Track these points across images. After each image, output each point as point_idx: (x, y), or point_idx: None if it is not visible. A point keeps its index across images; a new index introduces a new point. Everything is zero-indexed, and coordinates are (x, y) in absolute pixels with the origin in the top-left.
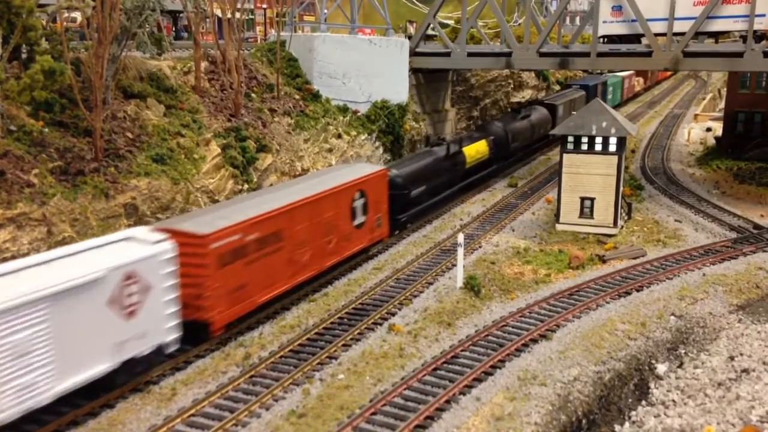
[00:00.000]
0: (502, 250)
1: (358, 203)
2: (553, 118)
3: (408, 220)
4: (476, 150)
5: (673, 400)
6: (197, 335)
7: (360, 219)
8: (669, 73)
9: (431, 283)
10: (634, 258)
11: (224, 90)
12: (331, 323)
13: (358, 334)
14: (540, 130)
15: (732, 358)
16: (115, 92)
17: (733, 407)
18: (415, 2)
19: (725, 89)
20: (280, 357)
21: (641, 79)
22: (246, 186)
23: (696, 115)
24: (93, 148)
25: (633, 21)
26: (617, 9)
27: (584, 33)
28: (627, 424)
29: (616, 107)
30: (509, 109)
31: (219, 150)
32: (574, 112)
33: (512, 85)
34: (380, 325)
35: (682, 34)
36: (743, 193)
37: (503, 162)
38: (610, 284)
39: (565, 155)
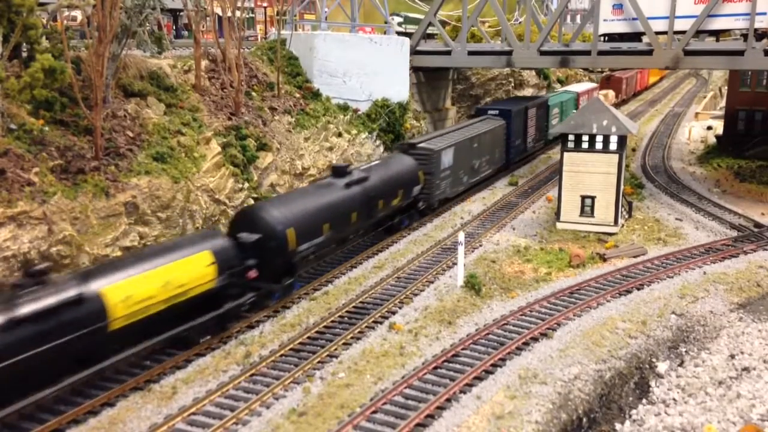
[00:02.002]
0: (503, 248)
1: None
2: (431, 176)
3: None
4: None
5: (674, 399)
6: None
7: None
8: (651, 81)
9: (432, 282)
10: (635, 256)
11: (224, 88)
12: (332, 322)
13: (359, 332)
14: (388, 203)
15: (733, 357)
16: (115, 91)
17: (734, 406)
18: (416, 1)
19: (726, 87)
20: (281, 355)
21: (611, 92)
22: (246, 185)
23: (697, 114)
24: (93, 147)
25: (634, 19)
26: (618, 7)
27: (585, 31)
28: (627, 422)
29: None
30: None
31: (219, 148)
32: (484, 164)
33: (513, 84)
34: (381, 323)
35: (683, 32)
36: (744, 191)
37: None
38: (610, 283)
39: (565, 154)
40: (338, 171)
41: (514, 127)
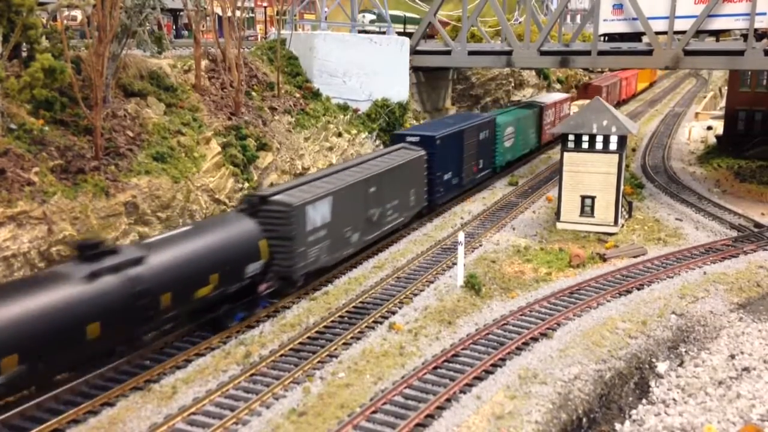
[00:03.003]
0: (503, 248)
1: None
2: (289, 242)
3: None
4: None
5: (674, 399)
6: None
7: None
8: (639, 88)
9: (432, 282)
10: (635, 256)
11: (224, 88)
12: (332, 321)
13: (359, 332)
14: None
15: (733, 357)
16: (115, 91)
17: (734, 406)
18: (416, 1)
19: (726, 87)
20: (281, 355)
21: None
22: (246, 184)
23: (697, 114)
24: (93, 147)
25: (634, 19)
26: (618, 7)
27: (585, 31)
28: (627, 422)
29: (525, 160)
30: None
31: (219, 148)
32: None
33: (513, 84)
34: (381, 323)
35: (683, 32)
36: (744, 191)
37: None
38: (610, 283)
39: (565, 154)
40: (83, 249)
41: (440, 158)
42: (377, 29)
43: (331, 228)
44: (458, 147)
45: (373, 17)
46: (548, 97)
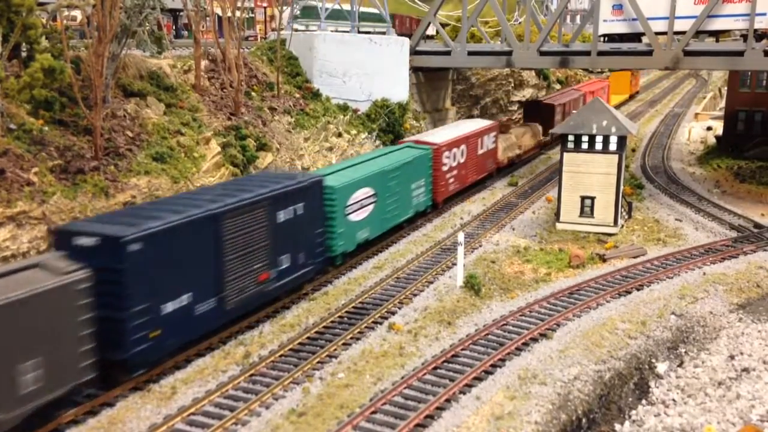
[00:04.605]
0: (503, 248)
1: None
2: None
3: None
4: None
5: (674, 399)
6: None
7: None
8: (612, 104)
9: (431, 282)
10: (635, 257)
11: (224, 88)
12: (331, 322)
13: (358, 332)
14: None
15: (732, 357)
16: (115, 91)
17: (734, 406)
18: (416, 1)
19: (726, 88)
20: (280, 356)
21: (530, 132)
22: None
23: (696, 114)
24: (93, 147)
25: (634, 20)
26: (618, 8)
27: (585, 32)
28: (627, 423)
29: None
30: None
31: (219, 148)
32: None
33: (513, 84)
34: (380, 323)
35: (683, 32)
36: (744, 192)
37: None
38: (610, 283)
39: (565, 154)
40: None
41: (146, 276)
42: (305, 27)
43: None
44: (210, 244)
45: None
46: (450, 131)
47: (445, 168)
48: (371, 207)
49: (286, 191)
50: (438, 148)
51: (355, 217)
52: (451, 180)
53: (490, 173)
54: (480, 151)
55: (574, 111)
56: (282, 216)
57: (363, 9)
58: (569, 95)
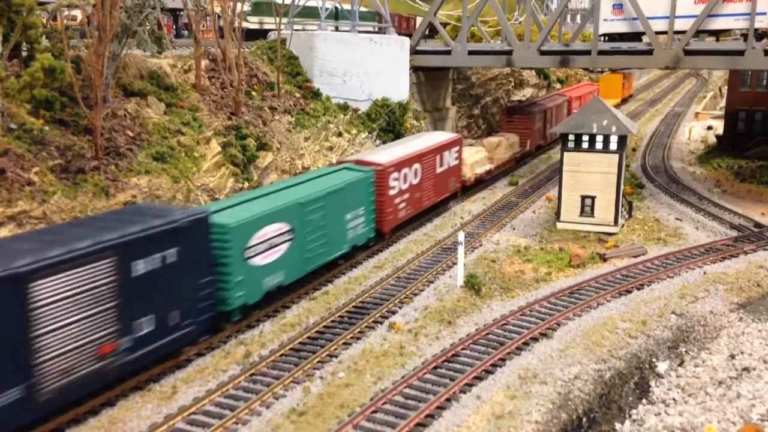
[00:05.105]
0: (503, 248)
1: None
2: None
3: None
4: None
5: (674, 399)
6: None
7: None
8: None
9: (432, 282)
10: (635, 256)
11: (224, 88)
12: (332, 321)
13: (359, 332)
14: None
15: (733, 357)
16: (115, 90)
17: (734, 406)
18: (417, 0)
19: (726, 87)
20: (281, 355)
21: (505, 141)
22: (246, 184)
23: (697, 114)
24: (93, 147)
25: (634, 19)
26: (618, 7)
27: (585, 31)
28: (627, 422)
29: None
30: None
31: (219, 148)
32: None
33: (513, 84)
34: (381, 323)
35: (683, 32)
36: (744, 191)
37: None
38: (610, 283)
39: (565, 153)
40: None
41: None
42: (258, 24)
43: None
44: (10, 315)
45: (247, 7)
46: (401, 148)
47: (393, 192)
48: (286, 246)
49: (149, 234)
50: (383, 169)
51: (260, 261)
52: (402, 205)
53: (453, 193)
54: (439, 170)
55: (557, 119)
56: (141, 267)
57: (346, 7)
58: (552, 101)
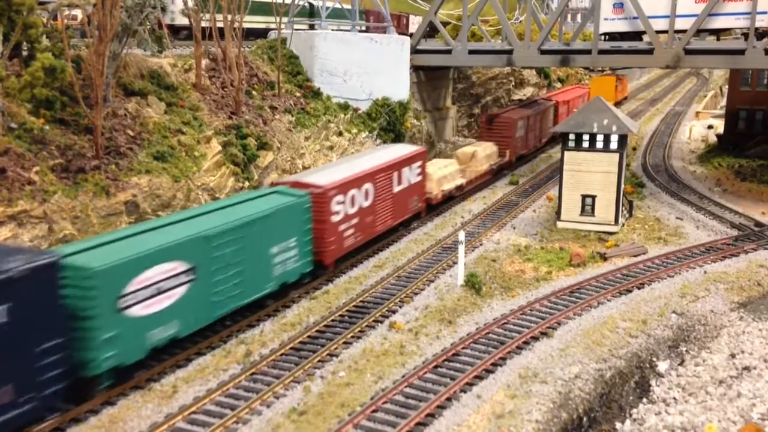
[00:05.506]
0: (503, 247)
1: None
2: None
3: None
4: None
5: (674, 398)
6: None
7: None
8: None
9: (432, 281)
10: (635, 255)
11: (225, 87)
12: (332, 321)
13: (359, 331)
14: None
15: (733, 356)
16: (115, 90)
17: (735, 405)
18: (417, 0)
19: (727, 87)
20: (281, 354)
21: (481, 150)
22: (247, 184)
23: (697, 113)
24: (94, 146)
25: (635, 18)
26: (619, 6)
27: (586, 30)
28: (628, 421)
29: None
30: None
31: (220, 147)
32: None
33: (513, 83)
34: (381, 322)
35: (684, 31)
36: (744, 190)
37: None
38: (611, 282)
39: (566, 153)
40: None
41: None
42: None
43: None
44: None
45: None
46: (349, 165)
47: (336, 218)
48: (182, 289)
49: None
50: (322, 192)
51: (142, 310)
52: (350, 232)
53: (416, 213)
54: (397, 188)
55: (543, 126)
56: None
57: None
58: (536, 106)
